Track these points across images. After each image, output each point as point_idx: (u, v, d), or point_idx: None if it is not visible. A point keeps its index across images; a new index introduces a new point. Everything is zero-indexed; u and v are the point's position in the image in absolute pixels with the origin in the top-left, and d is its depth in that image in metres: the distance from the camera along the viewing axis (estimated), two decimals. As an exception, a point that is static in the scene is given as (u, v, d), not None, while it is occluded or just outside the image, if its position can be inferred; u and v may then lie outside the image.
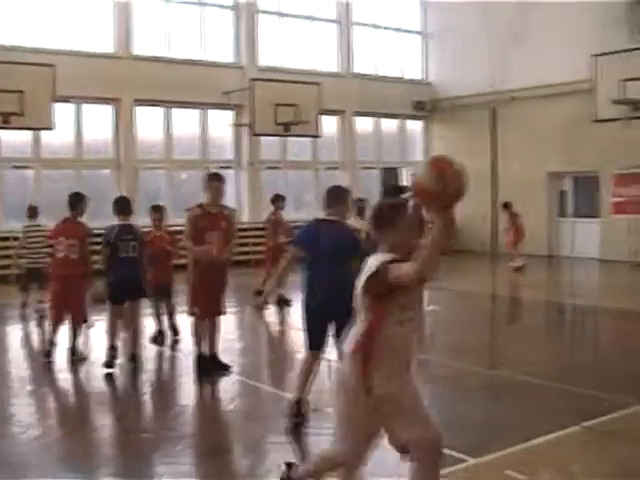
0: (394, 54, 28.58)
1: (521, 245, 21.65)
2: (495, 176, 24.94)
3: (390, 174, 24.30)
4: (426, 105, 28.58)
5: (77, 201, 10.87)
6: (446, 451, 6.83)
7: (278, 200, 16.92)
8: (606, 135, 21.92)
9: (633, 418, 7.98)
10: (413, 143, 29.48)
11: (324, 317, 7.62)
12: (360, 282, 4.77)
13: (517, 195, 24.41)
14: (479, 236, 25.82)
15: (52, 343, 10.78)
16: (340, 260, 7.48)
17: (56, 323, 10.86)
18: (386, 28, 28.32)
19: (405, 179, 28.16)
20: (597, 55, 20.84)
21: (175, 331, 12.23)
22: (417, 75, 29.12)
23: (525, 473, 6.35)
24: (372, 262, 4.72)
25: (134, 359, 10.45)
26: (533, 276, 20.58)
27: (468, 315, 15.55)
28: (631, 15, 23.15)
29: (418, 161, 28.94)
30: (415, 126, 29.39)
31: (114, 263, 10.33)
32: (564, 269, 23.25)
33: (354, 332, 4.90)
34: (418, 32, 29.07)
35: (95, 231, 11.28)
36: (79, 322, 10.88)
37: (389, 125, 28.66)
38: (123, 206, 10.82)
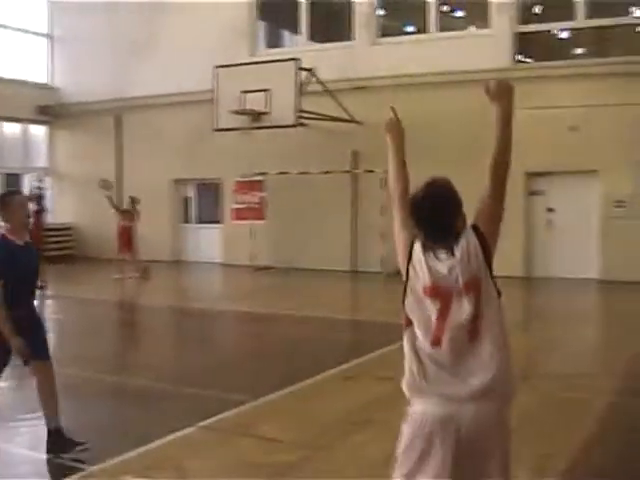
0: (18, 56, 27.65)
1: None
2: (120, 182, 24.98)
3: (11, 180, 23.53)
4: (51, 110, 27.97)
5: None
6: (64, 462, 6.88)
7: None
8: (228, 144, 22.69)
9: (245, 414, 8.34)
10: (37, 148, 28.71)
11: None
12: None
13: (142, 201, 24.61)
14: (107, 242, 25.69)
15: None
16: None
17: None
18: (11, 28, 27.32)
19: (27, 185, 27.44)
20: (219, 67, 21.46)
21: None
22: (42, 79, 28.42)
23: (146, 476, 6.44)
24: None
25: None
26: (157, 281, 20.76)
27: (90, 323, 15.39)
28: (252, 30, 24.18)
29: (42, 167, 28.30)
30: (39, 131, 28.66)
31: None
32: (188, 274, 23.73)
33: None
34: (44, 34, 28.37)
35: None
36: None
37: (11, 129, 27.73)
38: None
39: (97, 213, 26.21)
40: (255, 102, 20.73)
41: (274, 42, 25.27)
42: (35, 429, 7.86)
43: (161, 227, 25.15)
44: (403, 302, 4.03)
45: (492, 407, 3.87)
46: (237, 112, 20.84)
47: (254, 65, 21.48)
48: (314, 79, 20.78)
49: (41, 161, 28.63)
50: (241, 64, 21.61)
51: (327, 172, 21.65)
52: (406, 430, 3.97)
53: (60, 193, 28.25)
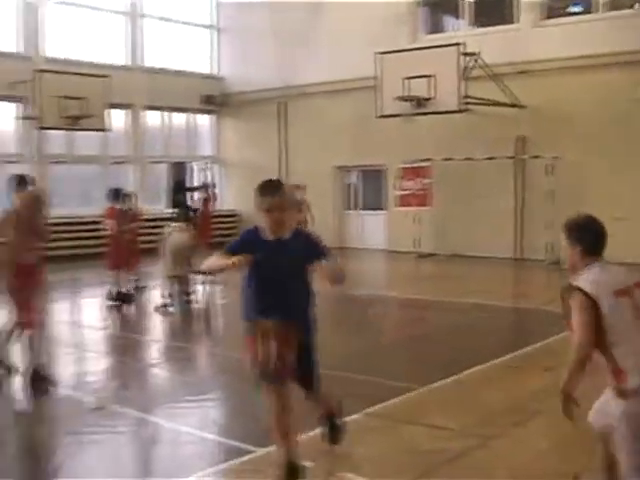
0: (184, 48, 28.40)
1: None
2: (284, 170, 25.31)
3: (179, 168, 24.15)
4: (216, 99, 28.59)
5: None
6: (232, 442, 7.03)
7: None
8: (392, 130, 22.65)
9: (412, 402, 8.33)
10: (202, 137, 29.42)
11: None
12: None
13: (307, 188, 24.89)
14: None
15: None
16: None
17: None
18: (176, 21, 28.12)
19: (194, 174, 28.18)
20: (381, 53, 21.42)
21: None
22: (208, 69, 29.08)
23: (311, 460, 6.49)
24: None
25: None
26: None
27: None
28: (413, 16, 24.04)
29: (207, 155, 28.98)
30: (205, 120, 29.35)
31: None
32: (352, 260, 23.77)
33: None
34: (209, 26, 29.02)
35: None
36: None
37: (178, 119, 28.49)
38: None
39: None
40: (418, 88, 20.61)
41: (435, 28, 25.03)
42: (202, 410, 8.08)
43: (325, 214, 25.30)
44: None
45: None
46: (401, 98, 20.78)
47: (417, 51, 21.34)
48: (478, 63, 20.49)
49: (207, 149, 29.30)
50: (404, 50, 21.52)
51: (491, 158, 21.34)
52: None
53: (226, 181, 28.85)
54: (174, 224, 14.90)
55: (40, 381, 8.83)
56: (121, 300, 15.21)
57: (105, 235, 15.75)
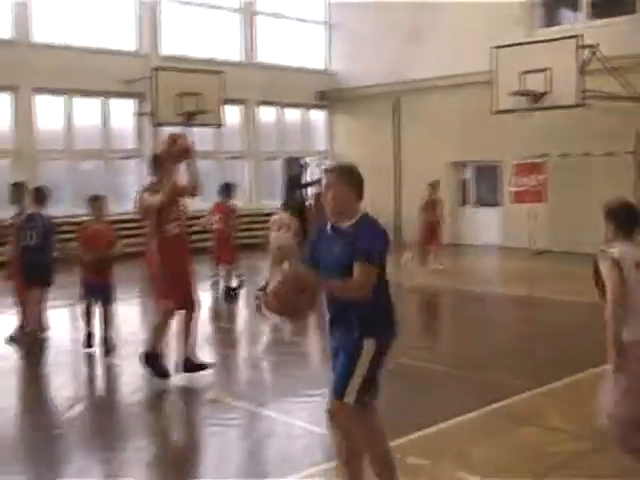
0: (297, 44, 28.57)
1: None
2: (397, 165, 25.20)
3: (293, 164, 24.33)
4: (329, 95, 28.65)
5: None
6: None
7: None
8: (506, 125, 22.31)
9: (530, 401, 8.17)
10: (316, 133, 29.53)
11: None
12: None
13: (419, 184, 24.68)
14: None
15: None
16: None
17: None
18: (289, 18, 28.29)
19: (308, 169, 28.39)
20: (497, 47, 21.13)
21: (108, 347, 10.83)
22: (320, 65, 29.17)
23: (426, 459, 6.45)
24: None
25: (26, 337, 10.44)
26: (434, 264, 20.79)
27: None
28: (528, 9, 23.63)
29: (321, 150, 29.08)
30: (318, 116, 29.44)
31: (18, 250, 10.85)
32: (466, 256, 23.59)
33: None
34: (322, 22, 29.10)
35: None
36: None
37: (292, 115, 28.65)
38: (36, 195, 11.34)
39: (374, 197, 26.58)
40: (534, 82, 20.25)
41: (552, 21, 24.52)
42: (315, 405, 8.06)
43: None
44: None
45: None
46: (516, 93, 20.45)
47: (533, 45, 20.97)
48: (596, 56, 20.01)
49: (321, 145, 29.39)
50: (520, 44, 21.16)
51: (610, 153, 20.83)
52: None
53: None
54: (275, 216, 14.75)
55: (194, 369, 8.96)
56: (229, 294, 15.36)
57: (212, 230, 15.90)
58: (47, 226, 11.13)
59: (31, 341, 11.00)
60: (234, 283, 15.75)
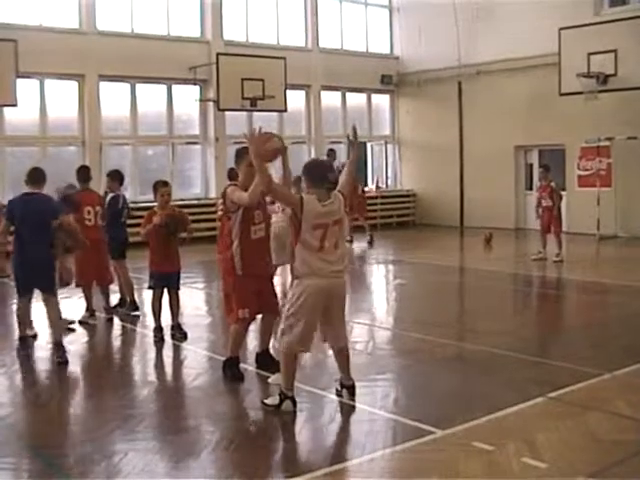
0: (360, 28, 28.48)
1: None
2: (462, 149, 25.03)
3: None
4: (393, 79, 28.53)
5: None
6: (413, 423, 7.00)
7: None
8: (572, 108, 22.00)
9: (597, 388, 8.08)
10: (380, 117, 29.41)
11: None
12: None
13: (484, 168, 24.68)
14: (447, 209, 26.11)
15: None
16: None
17: None
18: (352, 2, 28.19)
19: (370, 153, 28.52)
20: (563, 28, 20.86)
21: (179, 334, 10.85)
22: (384, 49, 29.02)
23: (492, 444, 6.41)
24: None
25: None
26: (500, 249, 20.68)
27: (436, 288, 15.60)
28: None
29: (386, 135, 29.01)
30: (382, 100, 29.32)
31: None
32: (531, 242, 23.34)
33: None
34: (385, 6, 28.93)
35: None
36: None
37: (356, 99, 28.56)
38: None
39: (438, 181, 26.55)
40: (601, 64, 19.96)
41: (619, 0, 24.09)
42: (381, 389, 8.07)
43: (504, 194, 24.97)
44: None
45: None
46: (583, 75, 20.17)
47: (600, 25, 20.66)
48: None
49: (386, 129, 29.29)
50: (586, 25, 20.85)
51: (678, 136, 20.49)
52: None
53: (404, 160, 28.82)
54: None
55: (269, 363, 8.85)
56: None
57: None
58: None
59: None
60: None
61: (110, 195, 12.45)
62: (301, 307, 7.34)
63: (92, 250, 11.19)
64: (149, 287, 10.83)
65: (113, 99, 22.98)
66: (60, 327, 9.98)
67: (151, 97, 23.76)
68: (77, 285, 11.64)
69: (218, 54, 22.95)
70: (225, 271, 8.70)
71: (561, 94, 21.13)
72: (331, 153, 22.20)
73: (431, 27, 26.65)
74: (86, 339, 11.15)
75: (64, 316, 10.68)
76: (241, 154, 8.48)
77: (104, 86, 22.59)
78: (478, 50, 25.19)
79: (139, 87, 23.35)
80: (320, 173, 7.46)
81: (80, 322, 11.69)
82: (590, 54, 20.07)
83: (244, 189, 8.23)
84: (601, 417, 7.17)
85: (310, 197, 7.35)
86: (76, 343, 10.69)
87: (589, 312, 13.34)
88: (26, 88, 20.69)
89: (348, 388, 7.75)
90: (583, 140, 22.44)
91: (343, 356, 7.81)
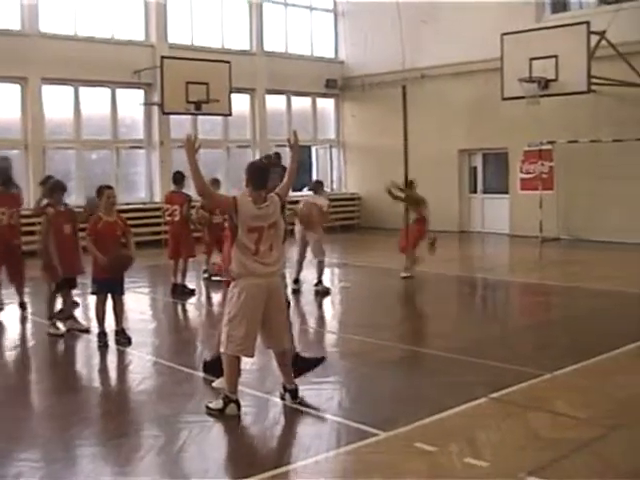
0: (305, 32, 28.56)
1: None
2: (406, 153, 25.15)
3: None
4: (338, 83, 28.63)
5: None
6: (357, 425, 7.04)
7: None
8: (514, 113, 22.23)
9: (537, 388, 8.20)
10: (325, 121, 29.50)
11: None
12: None
13: (428, 172, 24.75)
14: (392, 212, 26.19)
15: None
16: None
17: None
18: (297, 6, 28.25)
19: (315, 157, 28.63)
20: (505, 34, 21.06)
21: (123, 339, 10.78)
22: (329, 53, 29.13)
23: (435, 445, 6.47)
24: None
25: None
26: (445, 251, 20.77)
27: (379, 291, 15.65)
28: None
29: (331, 139, 29.11)
30: (327, 104, 29.41)
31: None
32: (474, 244, 23.60)
33: None
34: (329, 10, 29.04)
35: None
36: None
37: (301, 103, 28.62)
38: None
39: (383, 184, 26.63)
40: (543, 69, 20.19)
41: (561, 7, 24.41)
42: (324, 392, 8.10)
43: (448, 197, 25.18)
44: None
45: None
46: (524, 80, 20.38)
47: (542, 31, 20.89)
48: (606, 42, 19.92)
49: (330, 133, 29.39)
50: (529, 30, 21.08)
51: (618, 140, 20.76)
52: None
53: (348, 164, 28.93)
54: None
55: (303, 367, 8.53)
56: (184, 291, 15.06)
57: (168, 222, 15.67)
58: None
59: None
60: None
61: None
62: (241, 308, 7.37)
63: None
64: (92, 292, 10.76)
65: (56, 102, 22.76)
66: None
67: (95, 101, 23.55)
68: None
69: (162, 57, 22.83)
70: None
71: (504, 98, 21.32)
72: (271, 156, 22.31)
73: (376, 31, 26.78)
74: (29, 344, 11.07)
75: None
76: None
77: (47, 89, 22.37)
78: (422, 54, 25.37)
79: (83, 90, 23.15)
80: (260, 176, 7.49)
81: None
82: (532, 59, 20.25)
83: None
84: (541, 416, 7.28)
85: (245, 199, 7.41)
86: (18, 348, 10.60)
87: (532, 314, 13.53)
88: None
89: (291, 392, 7.79)
90: (526, 144, 22.75)
91: (284, 359, 7.83)
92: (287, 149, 8.03)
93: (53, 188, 11.43)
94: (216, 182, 15.82)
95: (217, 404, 7.48)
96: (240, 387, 7.66)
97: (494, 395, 7.81)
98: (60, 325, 11.29)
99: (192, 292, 14.83)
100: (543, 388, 8.21)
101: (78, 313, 12.16)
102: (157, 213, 18.93)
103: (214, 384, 8.24)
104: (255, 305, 7.40)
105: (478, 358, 9.45)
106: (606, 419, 7.19)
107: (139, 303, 14.01)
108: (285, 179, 7.91)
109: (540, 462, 6.17)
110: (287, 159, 8.07)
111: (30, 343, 11.26)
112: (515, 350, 10.09)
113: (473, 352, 9.79)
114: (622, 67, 20.23)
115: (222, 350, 7.58)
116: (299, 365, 8.26)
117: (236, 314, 7.40)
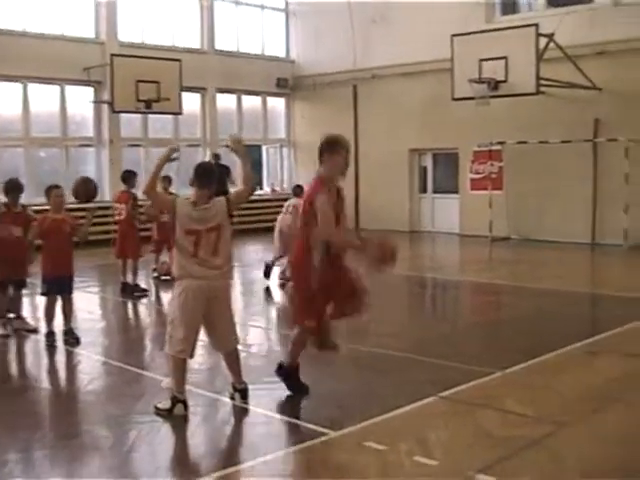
0: (256, 31, 28.50)
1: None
2: (357, 152, 25.20)
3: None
4: (288, 82, 28.61)
5: None
6: (306, 425, 7.05)
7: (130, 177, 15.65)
8: (465, 113, 22.37)
9: (487, 386, 8.25)
10: (276, 120, 29.46)
11: None
12: None
13: (379, 171, 24.98)
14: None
15: None
16: None
17: None
18: (248, 4, 28.18)
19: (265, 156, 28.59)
20: (455, 35, 21.18)
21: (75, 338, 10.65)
22: (280, 52, 29.09)
23: (384, 444, 6.48)
24: None
25: None
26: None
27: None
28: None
29: (281, 138, 29.09)
30: (278, 103, 29.38)
31: None
32: (425, 244, 23.69)
33: None
34: (281, 9, 29.01)
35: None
36: None
37: (251, 102, 28.55)
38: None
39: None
40: (492, 70, 20.33)
41: (510, 9, 24.61)
42: (275, 392, 8.08)
43: (398, 197, 25.31)
44: None
45: None
46: (474, 81, 20.51)
47: (491, 32, 21.04)
48: (554, 44, 20.12)
49: (281, 133, 29.36)
50: (478, 32, 21.23)
51: (567, 141, 20.97)
52: None
53: (299, 163, 28.91)
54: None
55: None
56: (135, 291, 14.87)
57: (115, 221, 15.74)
58: None
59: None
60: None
61: None
62: (181, 308, 7.35)
63: None
64: (42, 293, 10.66)
65: (4, 99, 22.49)
66: None
67: (44, 98, 23.31)
68: None
69: (112, 55, 22.67)
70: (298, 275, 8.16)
71: (454, 99, 21.44)
72: (218, 155, 22.42)
73: (327, 31, 26.84)
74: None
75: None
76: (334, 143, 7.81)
77: (-5, 86, 22.12)
78: (373, 54, 25.47)
79: (31, 87, 22.89)
80: (203, 176, 7.45)
81: None
82: (482, 60, 20.38)
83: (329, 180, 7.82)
84: (491, 414, 7.33)
85: (184, 200, 7.41)
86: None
87: (482, 313, 13.62)
88: None
89: (240, 391, 7.76)
90: (475, 144, 22.91)
91: (232, 360, 7.82)
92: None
93: (8, 188, 11.36)
94: (167, 179, 15.74)
95: (165, 404, 7.44)
96: (189, 387, 7.63)
97: (444, 394, 7.85)
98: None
99: (145, 291, 14.74)
100: (492, 386, 8.26)
101: (26, 313, 12.01)
102: (107, 212, 18.66)
103: (163, 384, 8.19)
104: (195, 307, 7.36)
105: (428, 357, 9.50)
106: (555, 416, 7.25)
107: (88, 302, 13.90)
108: (241, 186, 7.82)
109: (489, 460, 6.20)
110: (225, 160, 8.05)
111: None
112: (464, 349, 10.15)
113: (423, 351, 9.84)
114: (570, 69, 20.47)
115: (165, 350, 7.59)
116: (284, 377, 8.18)
117: (176, 315, 7.42)
